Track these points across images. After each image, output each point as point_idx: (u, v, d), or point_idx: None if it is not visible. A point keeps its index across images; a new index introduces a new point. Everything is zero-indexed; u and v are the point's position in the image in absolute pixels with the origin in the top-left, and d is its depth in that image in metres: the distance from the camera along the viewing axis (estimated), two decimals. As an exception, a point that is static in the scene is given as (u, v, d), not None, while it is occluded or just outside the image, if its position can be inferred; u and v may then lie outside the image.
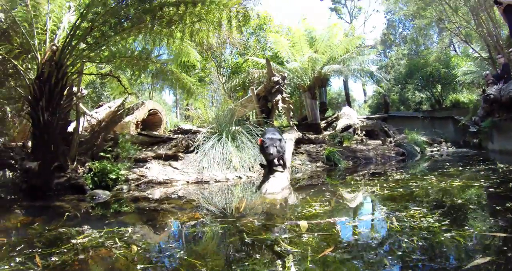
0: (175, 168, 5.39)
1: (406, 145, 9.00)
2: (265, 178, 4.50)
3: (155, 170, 5.14)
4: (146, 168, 5.18)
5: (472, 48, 17.98)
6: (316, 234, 2.01)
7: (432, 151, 10.04)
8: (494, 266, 1.50)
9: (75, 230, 2.31)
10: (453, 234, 1.96)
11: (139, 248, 1.88)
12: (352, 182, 4.38)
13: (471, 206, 2.78)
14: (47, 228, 2.44)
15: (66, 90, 4.60)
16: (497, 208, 2.64)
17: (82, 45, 4.92)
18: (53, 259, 1.75)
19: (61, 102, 4.46)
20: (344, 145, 8.11)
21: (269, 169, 4.53)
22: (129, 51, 5.93)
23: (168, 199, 3.69)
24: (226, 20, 5.51)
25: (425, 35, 25.28)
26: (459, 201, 2.95)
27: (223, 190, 4.32)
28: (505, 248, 1.73)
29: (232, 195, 4.04)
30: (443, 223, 2.17)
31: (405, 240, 1.87)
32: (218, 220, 2.60)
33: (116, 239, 2.04)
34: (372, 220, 2.40)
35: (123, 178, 4.64)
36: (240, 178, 5.10)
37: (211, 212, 2.97)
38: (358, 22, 31.28)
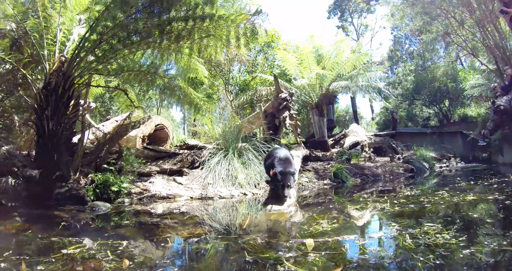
0: (179, 183, 5.29)
1: (415, 161, 8.83)
2: (271, 194, 4.36)
3: (159, 185, 5.04)
4: (150, 182, 5.09)
5: (479, 61, 17.86)
6: (323, 253, 1.89)
7: (441, 167, 9.86)
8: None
9: (68, 240, 2.22)
10: (472, 250, 1.84)
11: (131, 263, 1.77)
12: (361, 199, 4.25)
13: (488, 220, 2.68)
14: (39, 236, 2.37)
15: (73, 101, 4.61)
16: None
17: (91, 58, 4.96)
18: (39, 267, 1.67)
19: (66, 112, 4.46)
20: (352, 162, 7.96)
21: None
22: (137, 65, 5.96)
23: (170, 214, 3.60)
24: (234, 36, 5.52)
25: (432, 50, 25.33)
26: (475, 216, 2.87)
27: (227, 207, 4.20)
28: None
29: (237, 211, 3.92)
30: (460, 239, 2.06)
31: (421, 258, 1.74)
32: (220, 236, 2.50)
33: (109, 252, 1.94)
34: (384, 237, 2.27)
35: (126, 191, 4.55)
36: (245, 194, 4.97)
37: (213, 228, 2.86)
38: (365, 40, 31.62)
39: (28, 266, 1.66)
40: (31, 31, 4.60)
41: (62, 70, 4.42)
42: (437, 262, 1.68)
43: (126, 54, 5.22)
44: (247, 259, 1.86)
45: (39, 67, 5.06)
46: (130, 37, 4.92)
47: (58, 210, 3.62)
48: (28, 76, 4.56)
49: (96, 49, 4.81)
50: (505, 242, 2.00)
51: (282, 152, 4.17)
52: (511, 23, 8.47)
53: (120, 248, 2.05)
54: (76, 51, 4.55)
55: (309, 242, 1.99)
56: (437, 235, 2.15)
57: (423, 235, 2.17)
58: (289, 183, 3.61)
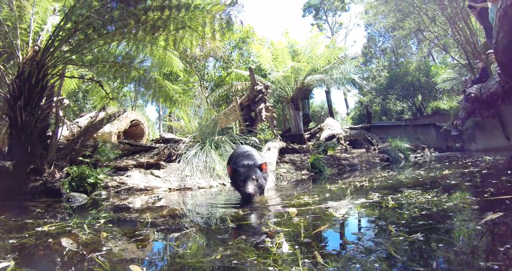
0: (156, 176, 5.23)
1: (390, 151, 9.10)
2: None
3: (136, 178, 4.97)
4: (127, 176, 5.01)
5: (451, 56, 18.62)
6: (307, 217, 1.90)
7: (416, 157, 10.17)
8: (509, 218, 1.49)
9: (43, 221, 2.16)
10: (455, 202, 1.93)
11: (109, 234, 1.74)
12: (339, 181, 4.34)
13: (466, 184, 2.85)
14: (13, 219, 2.30)
15: (46, 91, 4.50)
16: (493, 181, 2.75)
17: (66, 49, 4.86)
18: (10, 241, 1.63)
19: (40, 103, 4.34)
20: (328, 154, 8.10)
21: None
22: (112, 57, 5.88)
23: (148, 200, 3.57)
24: (210, 27, 5.52)
25: (405, 46, 26.15)
26: (453, 182, 3.02)
27: (207, 194, 4.21)
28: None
29: (216, 195, 3.95)
30: (441, 197, 2.15)
31: (406, 212, 1.81)
32: (198, 213, 2.51)
33: (85, 226, 1.91)
34: (367, 203, 2.27)
35: (102, 184, 4.46)
36: (224, 184, 4.99)
37: (192, 205, 2.87)
38: (339, 37, 32.15)
39: (-1, 241, 1.61)
40: (4, 20, 4.47)
41: (35, 60, 4.32)
42: (423, 212, 1.75)
43: (101, 44, 5.13)
44: (230, 225, 1.85)
45: (13, 61, 4.92)
46: (106, 26, 4.85)
47: (33, 202, 3.54)
48: (1, 66, 4.42)
49: (70, 39, 4.71)
50: (486, 195, 2.12)
51: (244, 148, 3.50)
52: (480, 18, 8.83)
53: (97, 225, 2.02)
54: (50, 40, 4.45)
55: (292, 210, 1.99)
56: (419, 197, 2.23)
57: (405, 198, 2.24)
58: (253, 176, 2.84)
